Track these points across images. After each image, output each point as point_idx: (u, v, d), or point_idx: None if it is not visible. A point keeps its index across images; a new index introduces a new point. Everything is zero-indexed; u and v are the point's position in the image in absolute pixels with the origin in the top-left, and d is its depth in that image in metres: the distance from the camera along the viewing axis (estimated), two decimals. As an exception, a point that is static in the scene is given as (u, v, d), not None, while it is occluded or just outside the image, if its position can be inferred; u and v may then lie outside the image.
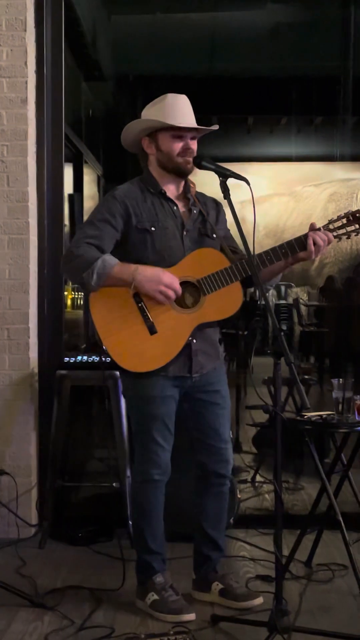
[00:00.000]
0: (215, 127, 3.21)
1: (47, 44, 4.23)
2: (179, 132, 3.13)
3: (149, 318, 3.09)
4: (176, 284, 3.06)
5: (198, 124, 3.17)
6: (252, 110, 7.65)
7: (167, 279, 3.04)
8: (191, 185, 3.27)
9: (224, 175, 3.06)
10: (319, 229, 3.09)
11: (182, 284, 3.11)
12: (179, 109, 3.14)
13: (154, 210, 3.17)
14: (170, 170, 3.18)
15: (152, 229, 3.14)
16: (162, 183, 3.21)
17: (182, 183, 3.25)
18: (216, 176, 3.08)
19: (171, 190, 3.23)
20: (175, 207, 3.21)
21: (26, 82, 4.11)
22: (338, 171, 8.08)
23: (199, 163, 3.12)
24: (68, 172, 5.77)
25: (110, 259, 3.07)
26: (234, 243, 3.22)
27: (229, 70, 6.85)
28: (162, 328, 3.09)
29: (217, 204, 3.34)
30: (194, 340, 3.16)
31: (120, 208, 3.14)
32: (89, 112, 6.58)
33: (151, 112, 3.17)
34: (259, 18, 6.60)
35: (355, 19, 6.45)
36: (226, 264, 3.11)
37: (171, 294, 3.05)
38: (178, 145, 3.14)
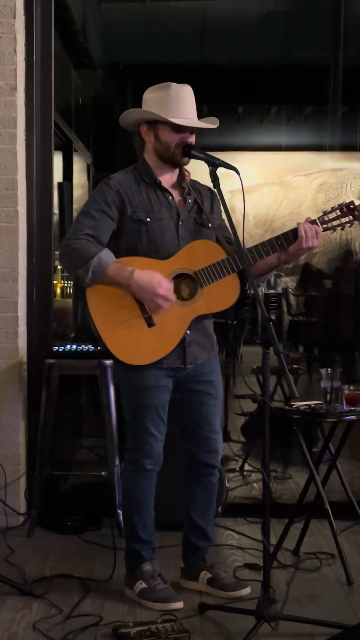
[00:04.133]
0: (216, 124, 3.18)
1: (36, 31, 4.21)
2: (179, 126, 3.11)
3: (146, 311, 3.07)
4: (170, 296, 3.04)
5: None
6: (243, 100, 7.62)
7: (162, 291, 3.01)
8: (186, 173, 3.25)
9: (214, 164, 3.05)
10: (314, 221, 3.10)
11: (179, 275, 3.11)
12: (181, 102, 3.10)
13: (149, 201, 3.15)
14: (166, 160, 3.16)
15: (148, 219, 3.12)
16: (157, 172, 3.19)
17: (177, 172, 3.24)
18: (206, 165, 3.07)
19: (166, 179, 3.21)
20: (170, 197, 3.19)
21: (15, 70, 4.09)
22: (328, 161, 8.05)
23: (188, 152, 3.12)
24: (57, 160, 5.73)
25: (106, 257, 3.04)
26: (228, 233, 3.16)
27: (219, 59, 6.81)
28: (160, 320, 3.08)
29: (211, 192, 3.30)
30: (188, 332, 3.15)
31: (116, 198, 3.12)
32: (79, 100, 6.54)
33: (153, 100, 3.13)
34: (249, 7, 6.57)
35: (346, 8, 6.43)
36: (222, 255, 3.10)
37: (163, 304, 3.03)
38: (177, 138, 3.12)
